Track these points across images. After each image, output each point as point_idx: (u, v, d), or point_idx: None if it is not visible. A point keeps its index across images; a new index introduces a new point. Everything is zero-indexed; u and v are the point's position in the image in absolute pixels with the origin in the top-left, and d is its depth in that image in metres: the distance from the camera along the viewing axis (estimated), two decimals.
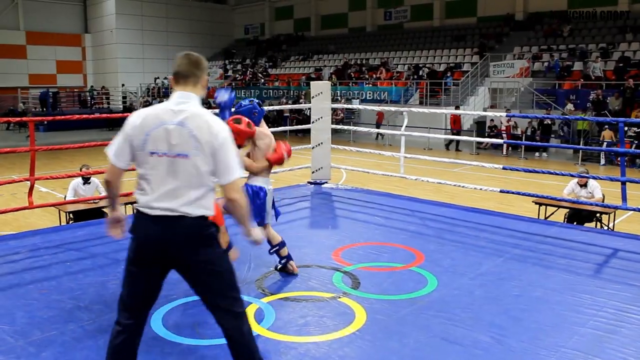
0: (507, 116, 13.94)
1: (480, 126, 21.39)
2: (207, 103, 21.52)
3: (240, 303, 2.98)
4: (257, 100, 5.00)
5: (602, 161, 17.17)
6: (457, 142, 20.23)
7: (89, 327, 3.98)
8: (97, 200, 7.95)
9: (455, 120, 20.90)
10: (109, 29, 39.58)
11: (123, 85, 38.73)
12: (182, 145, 2.78)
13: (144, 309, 3.00)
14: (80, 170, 7.98)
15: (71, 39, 40.61)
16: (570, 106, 19.76)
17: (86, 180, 8.36)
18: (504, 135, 19.45)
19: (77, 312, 4.22)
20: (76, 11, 41.04)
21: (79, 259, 5.48)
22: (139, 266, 2.91)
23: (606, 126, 17.34)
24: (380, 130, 14.95)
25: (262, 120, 5.01)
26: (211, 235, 2.89)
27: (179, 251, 2.84)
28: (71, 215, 7.78)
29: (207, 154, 2.79)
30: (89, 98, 36.66)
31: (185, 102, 2.87)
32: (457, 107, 21.53)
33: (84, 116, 7.62)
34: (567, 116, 9.17)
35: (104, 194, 8.29)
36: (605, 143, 17.43)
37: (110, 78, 40.00)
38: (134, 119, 2.87)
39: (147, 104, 36.22)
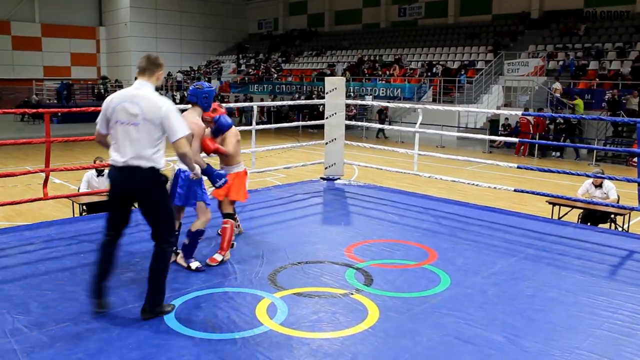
0: (522, 114, 13.81)
1: (493, 124, 21.24)
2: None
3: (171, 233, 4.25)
4: (206, 84, 5.08)
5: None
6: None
7: (103, 318, 3.99)
8: None
9: (539, 123, 18.96)
10: (124, 21, 39.74)
11: (136, 78, 38.72)
12: (136, 117, 3.87)
13: (120, 227, 4.20)
14: (94, 162, 8.01)
15: (86, 32, 40.83)
16: (557, 85, 19.77)
17: (100, 173, 8.39)
18: (530, 135, 19.08)
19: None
20: (91, 4, 41.24)
21: (93, 251, 5.45)
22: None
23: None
24: (384, 126, 14.79)
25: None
26: (156, 180, 3.98)
27: (135, 192, 4.00)
28: (84, 207, 7.81)
29: (156, 123, 3.86)
30: (102, 90, 36.81)
31: (141, 87, 3.99)
32: (526, 109, 19.76)
33: (99, 108, 7.63)
34: (583, 116, 9.06)
35: None
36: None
37: (123, 71, 40.14)
38: (107, 99, 4.07)
39: None
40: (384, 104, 14.42)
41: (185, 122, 4.53)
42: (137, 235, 6.08)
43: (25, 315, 4.03)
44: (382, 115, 23.84)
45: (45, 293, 4.44)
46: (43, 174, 6.62)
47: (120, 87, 38.67)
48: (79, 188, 8.68)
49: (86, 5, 40.83)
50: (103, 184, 8.39)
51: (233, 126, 5.38)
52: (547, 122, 18.91)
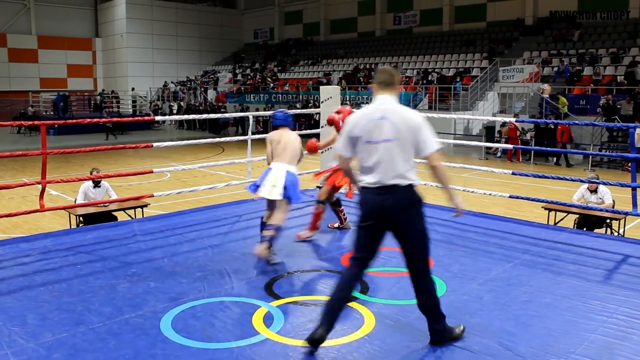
0: (516, 121, 13.87)
1: (489, 131, 21.31)
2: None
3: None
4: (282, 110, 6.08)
5: (499, 154, 18.70)
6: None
7: (100, 329, 4.00)
8: (107, 204, 7.99)
9: (564, 131, 18.68)
10: (120, 33, 39.88)
11: (133, 89, 38.94)
12: (388, 133, 3.66)
13: (370, 253, 3.85)
14: (91, 173, 8.03)
15: (82, 43, 40.95)
16: (545, 86, 20.01)
17: (96, 184, 8.41)
18: (518, 141, 19.19)
19: (87, 314, 4.25)
20: (87, 15, 41.38)
21: (90, 262, 5.51)
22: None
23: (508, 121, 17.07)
24: None
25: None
26: (413, 198, 3.76)
27: (392, 212, 3.70)
28: (81, 219, 7.83)
29: (409, 138, 3.66)
30: (99, 102, 36.87)
31: (387, 102, 3.75)
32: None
33: (95, 120, 7.66)
34: (577, 122, 9.10)
35: (114, 197, 8.35)
36: (503, 140, 18.81)
37: (120, 82, 40.26)
38: (350, 120, 3.85)
39: (156, 108, 36.43)
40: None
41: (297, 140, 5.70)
42: (134, 245, 6.11)
43: (22, 327, 4.03)
44: None
45: (42, 305, 4.44)
46: (39, 186, 6.63)
47: (117, 98, 38.86)
48: (75, 199, 8.69)
49: (82, 16, 40.96)
50: (100, 195, 8.41)
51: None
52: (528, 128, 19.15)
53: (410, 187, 3.72)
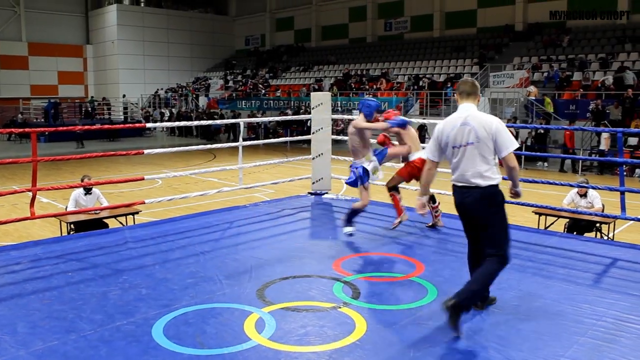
0: (507, 126, 13.94)
1: None
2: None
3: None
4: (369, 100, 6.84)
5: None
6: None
7: (91, 336, 3.99)
8: (98, 211, 7.98)
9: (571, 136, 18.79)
10: (111, 40, 39.85)
11: (124, 96, 38.87)
12: (470, 137, 4.14)
13: (475, 241, 4.45)
14: (82, 180, 8.01)
15: (73, 50, 40.87)
16: (531, 88, 20.16)
17: (87, 191, 8.40)
18: None
19: (78, 322, 4.24)
20: (78, 22, 41.33)
21: (81, 269, 5.50)
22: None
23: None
24: None
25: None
26: (493, 197, 4.18)
27: (474, 209, 4.22)
28: (72, 226, 7.81)
29: (489, 140, 4.10)
30: (90, 109, 36.75)
31: (468, 110, 4.23)
32: (571, 122, 19.37)
33: (86, 127, 7.66)
34: (566, 127, 9.18)
35: (105, 204, 8.33)
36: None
37: (111, 89, 40.20)
38: (438, 128, 4.35)
39: (147, 115, 36.37)
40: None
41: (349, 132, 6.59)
42: (126, 252, 6.11)
43: (12, 335, 4.02)
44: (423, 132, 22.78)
45: (33, 312, 4.43)
46: (30, 193, 6.62)
47: (108, 105, 38.77)
48: (66, 207, 8.67)
49: (73, 23, 40.91)
50: (91, 202, 8.40)
51: (408, 125, 7.02)
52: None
53: (490, 187, 4.14)
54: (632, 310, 4.48)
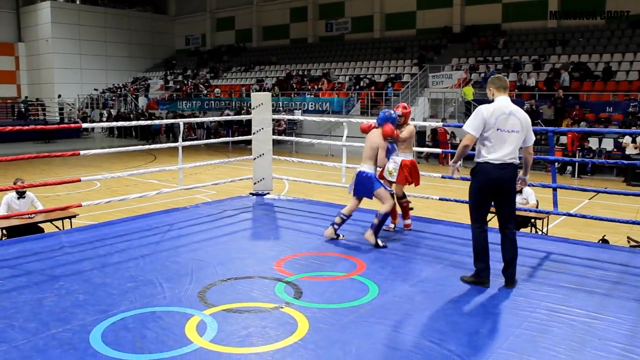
0: (443, 125, 14.24)
1: (420, 136, 21.79)
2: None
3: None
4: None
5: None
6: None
7: (24, 346, 3.85)
8: (32, 215, 7.71)
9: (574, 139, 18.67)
10: (44, 37, 38.51)
11: (59, 96, 37.66)
12: (515, 126, 4.92)
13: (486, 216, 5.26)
14: (15, 183, 7.73)
15: (3, 48, 39.30)
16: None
17: (21, 195, 8.10)
18: (448, 145, 19.79)
19: (10, 331, 4.07)
20: (9, 19, 39.77)
21: (13, 277, 5.29)
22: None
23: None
24: (322, 141, 14.86)
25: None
26: (516, 173, 5.13)
27: (505, 183, 4.98)
28: (4, 231, 7.52)
29: (524, 131, 4.97)
30: (22, 110, 35.43)
31: (507, 102, 4.98)
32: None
33: (17, 128, 7.39)
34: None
35: (40, 208, 8.06)
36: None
37: (46, 89, 38.86)
38: (487, 109, 4.91)
39: (84, 116, 35.38)
40: (310, 118, 14.52)
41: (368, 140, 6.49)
42: (62, 258, 5.93)
43: None
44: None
45: None
46: None
47: (42, 105, 37.45)
48: None
49: (3, 20, 39.37)
50: (24, 206, 8.10)
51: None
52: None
53: (518, 166, 5.03)
54: (564, 301, 4.67)
